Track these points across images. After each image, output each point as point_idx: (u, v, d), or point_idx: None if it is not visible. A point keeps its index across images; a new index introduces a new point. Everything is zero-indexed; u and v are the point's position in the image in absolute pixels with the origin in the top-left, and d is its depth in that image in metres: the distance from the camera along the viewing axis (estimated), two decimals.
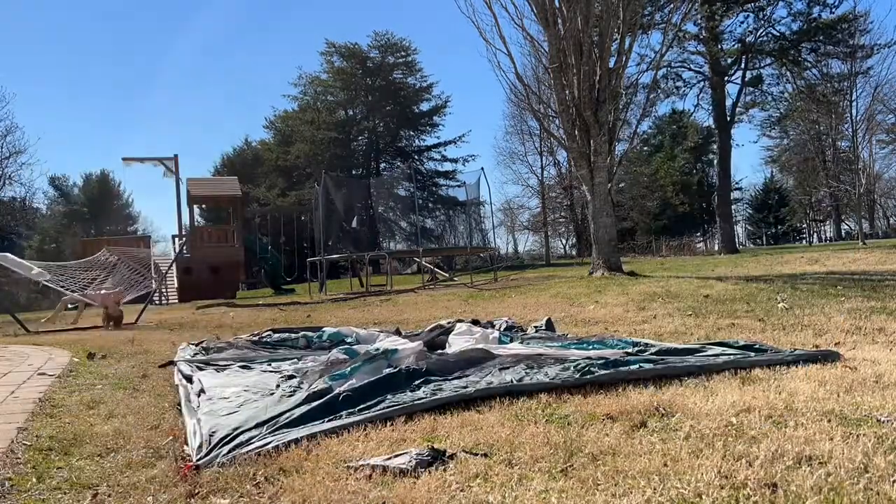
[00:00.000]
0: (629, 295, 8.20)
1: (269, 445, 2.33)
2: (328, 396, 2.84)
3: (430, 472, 1.98)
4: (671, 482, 1.79)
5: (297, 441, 2.37)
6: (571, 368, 3.24)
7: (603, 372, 3.13)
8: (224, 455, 2.26)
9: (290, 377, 3.51)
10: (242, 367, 4.15)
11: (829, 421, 2.28)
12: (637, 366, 3.26)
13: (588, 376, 3.08)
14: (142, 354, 5.37)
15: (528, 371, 3.31)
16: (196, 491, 1.97)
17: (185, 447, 2.44)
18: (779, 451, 1.98)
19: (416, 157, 39.86)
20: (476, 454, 2.13)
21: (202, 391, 3.32)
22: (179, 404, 3.19)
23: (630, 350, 3.79)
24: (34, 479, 2.13)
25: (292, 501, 1.85)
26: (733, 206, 35.13)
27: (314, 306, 11.35)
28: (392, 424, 2.53)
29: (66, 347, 5.93)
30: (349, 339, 4.95)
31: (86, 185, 48.06)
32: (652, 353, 3.66)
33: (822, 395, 2.63)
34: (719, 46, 25.09)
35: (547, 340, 4.66)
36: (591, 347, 4.07)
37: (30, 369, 4.48)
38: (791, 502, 1.64)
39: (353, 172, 37.66)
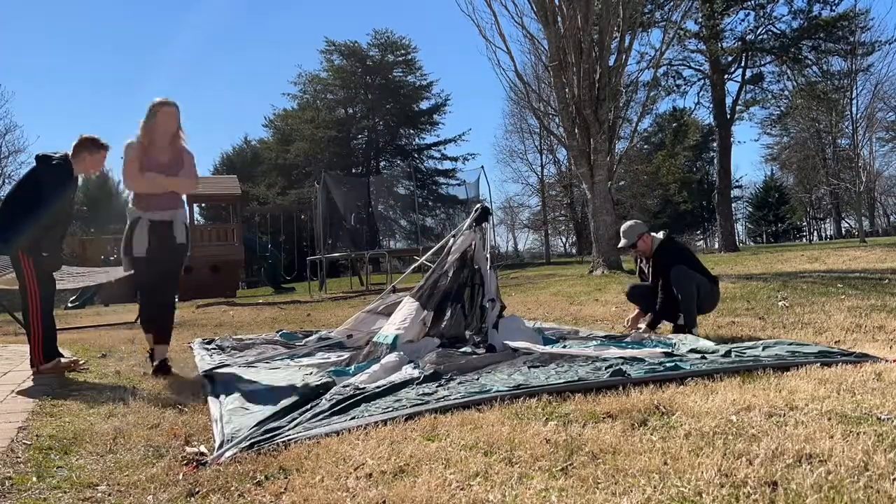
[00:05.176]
0: None
1: (291, 440, 2.39)
2: (343, 397, 2.89)
3: (430, 471, 1.98)
4: (671, 480, 1.79)
5: (305, 439, 2.41)
6: (603, 369, 3.22)
7: (653, 374, 3.11)
8: (251, 446, 2.34)
9: (316, 374, 3.55)
10: (266, 361, 4.24)
11: (830, 419, 2.28)
12: (688, 366, 3.23)
13: (625, 376, 3.06)
14: (142, 353, 5.37)
15: (557, 370, 3.31)
16: (196, 490, 1.97)
17: (187, 447, 2.44)
18: (779, 449, 1.98)
19: (415, 155, 39.82)
20: (476, 452, 2.13)
21: (228, 385, 3.38)
22: (179, 402, 3.20)
23: (668, 350, 3.77)
24: (34, 478, 2.13)
25: (293, 501, 1.85)
26: (733, 204, 35.08)
27: (314, 305, 11.35)
28: (392, 423, 2.53)
29: (66, 346, 5.93)
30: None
31: (85, 184, 48.05)
32: (690, 354, 3.62)
33: (822, 394, 2.63)
34: (720, 44, 25.05)
35: (588, 340, 4.59)
36: (628, 347, 4.06)
37: (29, 368, 4.48)
38: (791, 500, 1.64)
39: (353, 171, 37.64)
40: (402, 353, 3.84)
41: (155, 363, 4.16)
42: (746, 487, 1.72)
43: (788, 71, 26.03)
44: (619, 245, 5.27)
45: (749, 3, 24.58)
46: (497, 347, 4.07)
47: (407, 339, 4.10)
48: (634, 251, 5.18)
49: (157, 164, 4.02)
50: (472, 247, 4.75)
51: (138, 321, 9.49)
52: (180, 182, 4.09)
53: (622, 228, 5.20)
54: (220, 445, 2.38)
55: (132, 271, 4.18)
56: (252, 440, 2.38)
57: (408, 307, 4.38)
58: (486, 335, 4.30)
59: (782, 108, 30.74)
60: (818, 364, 3.16)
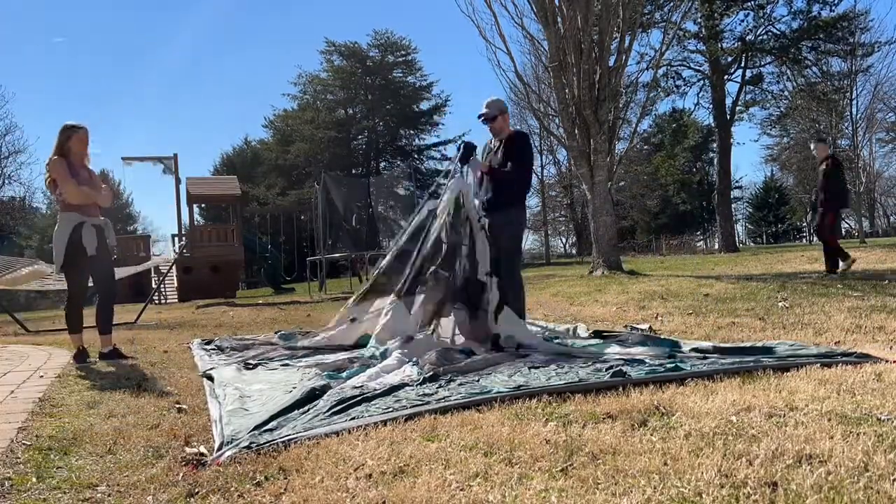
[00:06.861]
0: (629, 294, 8.19)
1: (291, 440, 2.40)
2: (343, 397, 2.89)
3: (430, 471, 1.98)
4: (671, 481, 1.79)
5: (305, 440, 2.40)
6: (603, 370, 3.22)
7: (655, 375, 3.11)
8: (250, 446, 2.33)
9: (315, 376, 3.54)
10: (265, 362, 4.23)
11: (830, 420, 2.28)
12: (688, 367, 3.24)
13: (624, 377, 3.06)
14: (142, 354, 5.37)
15: (557, 371, 3.31)
16: (195, 490, 1.97)
17: (186, 448, 2.44)
18: (779, 449, 1.98)
19: (416, 155, 39.85)
20: (476, 453, 2.13)
21: (227, 385, 3.37)
22: (178, 403, 3.20)
23: (669, 350, 3.76)
24: (34, 479, 2.13)
25: (292, 501, 1.85)
26: (733, 205, 35.05)
27: (314, 305, 11.35)
28: (392, 424, 2.53)
29: (66, 347, 5.92)
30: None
31: None
32: (693, 354, 3.62)
33: (822, 394, 2.63)
34: (719, 45, 25.03)
35: (590, 339, 4.57)
36: (629, 347, 4.06)
37: (29, 369, 4.48)
38: (791, 501, 1.64)
39: (353, 171, 37.66)
40: (400, 354, 3.82)
41: (105, 350, 4.94)
42: (746, 488, 1.72)
43: (788, 71, 26.02)
44: (480, 114, 4.60)
45: (749, 3, 24.58)
46: (500, 337, 4.08)
47: (399, 346, 4.04)
48: (491, 125, 4.57)
49: (84, 180, 4.80)
50: (462, 197, 4.32)
51: (137, 321, 9.52)
52: (105, 197, 4.98)
53: (488, 100, 4.55)
54: (220, 446, 2.38)
55: (62, 271, 4.85)
56: (252, 441, 2.38)
57: (393, 311, 4.31)
58: (490, 318, 4.29)
59: (782, 109, 30.71)
60: (818, 365, 3.16)
